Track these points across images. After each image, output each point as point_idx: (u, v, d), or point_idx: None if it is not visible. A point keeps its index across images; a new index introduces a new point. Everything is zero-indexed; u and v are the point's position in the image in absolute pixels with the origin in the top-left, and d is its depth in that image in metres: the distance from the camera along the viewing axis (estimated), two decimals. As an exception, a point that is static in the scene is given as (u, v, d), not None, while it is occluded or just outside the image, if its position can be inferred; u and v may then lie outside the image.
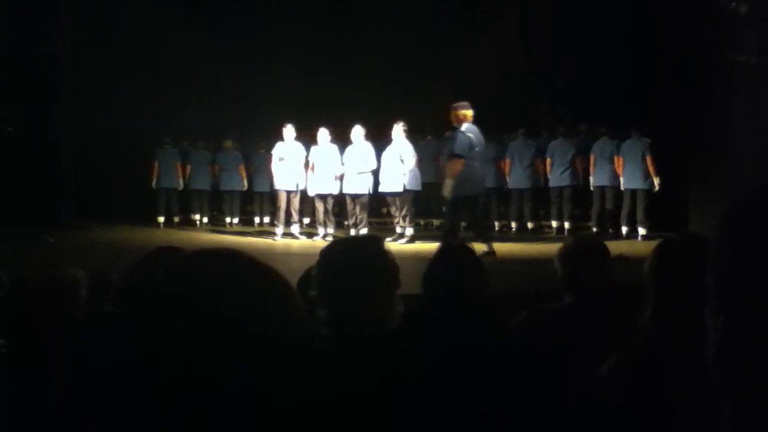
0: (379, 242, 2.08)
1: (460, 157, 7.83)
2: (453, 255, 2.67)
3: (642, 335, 1.74)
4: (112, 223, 11.02)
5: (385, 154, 9.85)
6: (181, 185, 11.78)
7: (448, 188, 7.95)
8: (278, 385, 0.86)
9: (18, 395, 2.31)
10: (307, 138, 10.56)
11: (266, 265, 0.92)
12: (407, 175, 9.73)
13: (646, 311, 1.76)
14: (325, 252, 2.03)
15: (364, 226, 9.92)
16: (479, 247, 7.62)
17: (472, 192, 8.06)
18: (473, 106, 11.32)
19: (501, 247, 9.14)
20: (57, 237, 9.20)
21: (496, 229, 11.38)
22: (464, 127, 7.99)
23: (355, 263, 1.95)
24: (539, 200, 11.24)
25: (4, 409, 2.33)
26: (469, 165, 7.88)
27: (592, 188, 10.63)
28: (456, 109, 8.10)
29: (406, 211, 9.84)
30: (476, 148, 8.06)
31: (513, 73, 11.68)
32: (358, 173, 9.91)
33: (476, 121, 11.98)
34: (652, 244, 1.94)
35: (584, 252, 2.86)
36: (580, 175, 10.85)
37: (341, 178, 10.10)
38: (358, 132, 10.06)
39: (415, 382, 1.80)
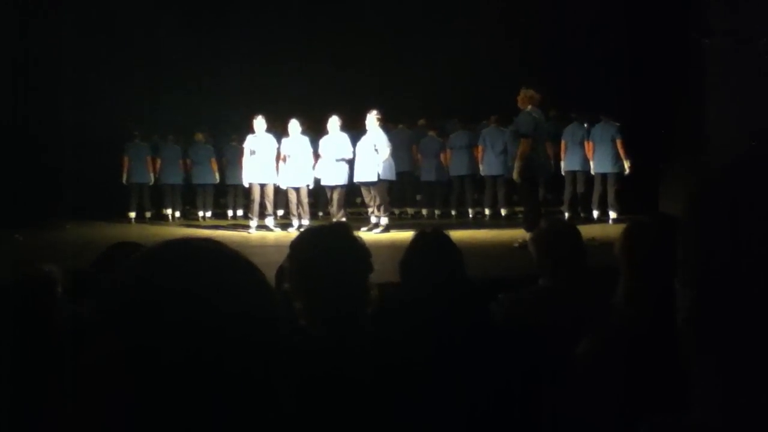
0: (347, 229, 2.09)
1: (526, 136, 7.74)
2: (429, 241, 2.69)
3: (615, 314, 1.78)
4: (83, 220, 10.88)
5: (359, 144, 9.85)
6: (152, 180, 11.66)
7: (516, 171, 7.82)
8: (261, 371, 0.88)
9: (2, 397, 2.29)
10: (279, 129, 10.51)
11: (234, 250, 0.94)
12: (382, 164, 9.73)
13: (617, 291, 1.80)
14: (295, 243, 2.04)
15: (341, 217, 9.92)
16: (524, 236, 7.44)
17: (538, 173, 8.04)
18: (446, 93, 11.30)
19: (475, 234, 9.23)
20: (27, 236, 9.08)
21: (471, 216, 11.46)
22: (530, 108, 7.91)
23: (325, 252, 1.97)
24: (513, 186, 11.32)
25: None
26: (534, 146, 7.82)
27: (563, 173, 10.74)
28: (525, 89, 7.97)
29: (381, 200, 9.85)
30: (540, 130, 8.02)
31: (485, 60, 11.75)
32: (336, 160, 9.89)
33: (452, 108, 12.09)
34: (623, 227, 1.98)
35: (557, 235, 2.90)
36: (552, 160, 10.94)
37: (317, 168, 10.09)
38: (334, 122, 10.05)
39: (395, 367, 1.82)
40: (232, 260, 0.93)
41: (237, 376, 0.86)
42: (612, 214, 10.15)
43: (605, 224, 9.85)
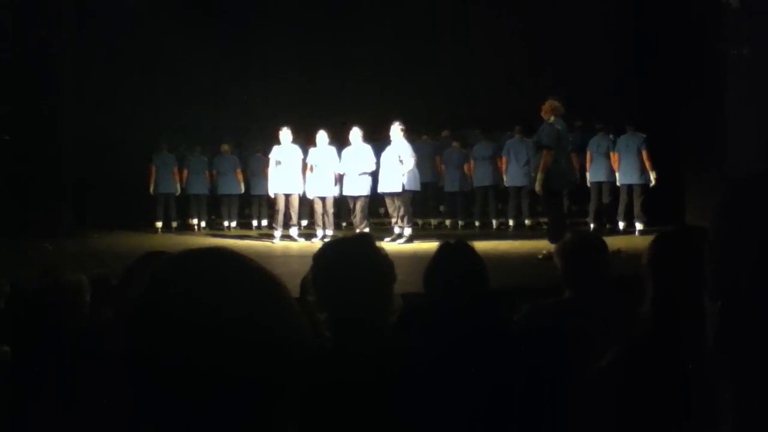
0: (371, 239, 2.09)
1: (548, 148, 7.67)
2: (453, 252, 2.68)
3: (641, 326, 1.76)
4: (110, 230, 11.02)
5: (383, 155, 9.87)
6: (178, 190, 11.78)
7: (538, 183, 7.75)
8: (274, 380, 0.89)
9: (22, 403, 2.32)
10: (304, 140, 10.57)
11: (251, 259, 0.95)
12: (406, 175, 9.74)
13: (645, 303, 1.78)
14: (318, 255, 2.04)
15: (364, 227, 9.93)
16: (548, 247, 7.40)
17: (560, 185, 7.97)
18: (469, 104, 11.23)
19: (499, 245, 9.19)
20: (56, 244, 9.21)
21: (494, 227, 11.41)
22: (553, 119, 7.85)
23: (347, 263, 1.97)
24: (536, 197, 11.26)
25: (10, 417, 2.34)
26: (557, 158, 7.74)
27: (588, 184, 10.67)
28: (550, 100, 7.92)
29: (405, 211, 9.85)
30: (563, 142, 7.94)
31: (510, 71, 11.73)
32: (359, 174, 9.92)
33: (473, 119, 12.08)
34: (649, 239, 1.96)
35: (583, 246, 2.88)
36: (577, 171, 10.88)
37: (341, 179, 10.12)
38: (356, 134, 10.08)
39: (418, 378, 1.82)
40: (251, 271, 0.94)
41: (254, 384, 0.87)
42: (638, 226, 10.05)
43: (631, 235, 9.74)
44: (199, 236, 11.38)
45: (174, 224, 11.87)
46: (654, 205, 10.04)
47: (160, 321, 0.88)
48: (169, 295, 0.90)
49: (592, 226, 10.48)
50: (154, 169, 11.61)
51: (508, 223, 11.39)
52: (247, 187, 11.93)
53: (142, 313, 0.90)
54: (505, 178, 11.16)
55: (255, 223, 12.19)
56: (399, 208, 9.84)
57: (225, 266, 0.94)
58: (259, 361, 0.88)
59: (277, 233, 10.29)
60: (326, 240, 9.60)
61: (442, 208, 12.19)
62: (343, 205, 10.93)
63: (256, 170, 11.64)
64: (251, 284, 0.93)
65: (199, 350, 0.86)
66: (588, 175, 10.62)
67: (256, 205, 12.18)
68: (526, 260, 8.04)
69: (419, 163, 10.21)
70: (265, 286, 0.93)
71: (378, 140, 10.36)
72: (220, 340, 0.87)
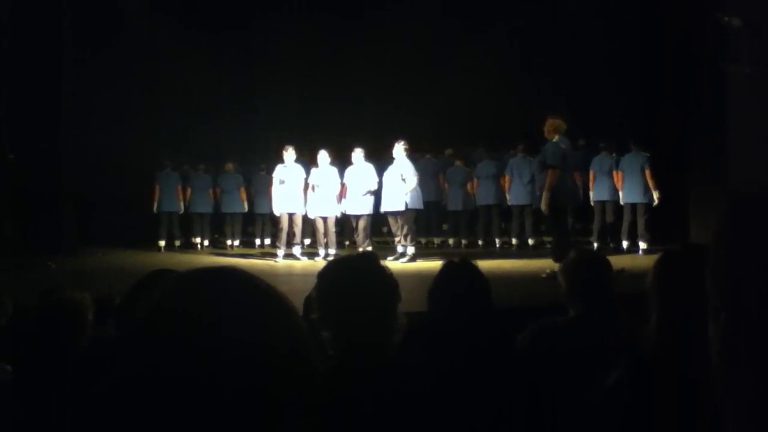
0: (375, 258, 2.09)
1: (554, 167, 7.70)
2: (457, 271, 2.68)
3: (647, 345, 1.75)
4: (113, 248, 11.03)
5: (386, 174, 9.89)
6: (182, 209, 11.79)
7: (544, 202, 7.75)
8: (281, 399, 0.89)
9: (24, 423, 2.31)
10: (307, 159, 10.61)
11: (261, 279, 0.96)
12: (409, 193, 9.75)
13: (650, 321, 1.77)
14: (322, 273, 2.04)
15: (367, 246, 9.92)
16: (551, 266, 7.42)
17: (566, 203, 7.99)
18: (473, 123, 11.30)
19: (503, 263, 9.18)
20: (59, 263, 9.21)
21: (498, 245, 11.39)
22: (557, 138, 7.89)
23: (352, 281, 1.96)
24: (540, 216, 11.25)
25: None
26: (562, 176, 7.78)
27: (592, 203, 10.66)
28: (551, 119, 7.96)
29: (408, 229, 9.85)
30: (568, 160, 7.98)
31: (512, 90, 11.79)
32: (363, 195, 9.94)
33: (477, 138, 12.13)
34: (653, 258, 1.96)
35: (587, 265, 2.87)
36: (581, 189, 10.87)
37: (343, 197, 10.15)
38: (358, 154, 10.12)
39: (422, 396, 1.81)
40: (260, 289, 0.95)
41: (260, 401, 0.87)
42: (642, 245, 10.02)
43: (635, 255, 9.72)
44: (202, 255, 11.38)
45: (177, 243, 11.88)
46: (658, 224, 10.02)
47: (169, 338, 0.88)
48: (178, 312, 0.90)
49: (595, 245, 10.46)
50: (157, 187, 11.63)
51: (511, 241, 11.37)
52: (251, 206, 11.95)
53: (150, 330, 0.90)
54: (508, 197, 11.16)
55: (258, 241, 12.19)
56: (402, 226, 9.84)
57: (233, 284, 0.94)
58: (267, 377, 0.88)
59: (281, 252, 10.29)
60: (329, 259, 9.61)
61: (445, 226, 12.18)
62: (345, 224, 10.93)
63: (260, 189, 11.65)
64: (260, 302, 0.93)
65: (207, 367, 0.87)
66: (591, 194, 10.62)
67: (259, 223, 12.19)
68: (530, 279, 8.02)
69: (422, 182, 10.23)
70: (273, 305, 0.94)
71: (381, 159, 10.39)
72: (229, 357, 0.87)
